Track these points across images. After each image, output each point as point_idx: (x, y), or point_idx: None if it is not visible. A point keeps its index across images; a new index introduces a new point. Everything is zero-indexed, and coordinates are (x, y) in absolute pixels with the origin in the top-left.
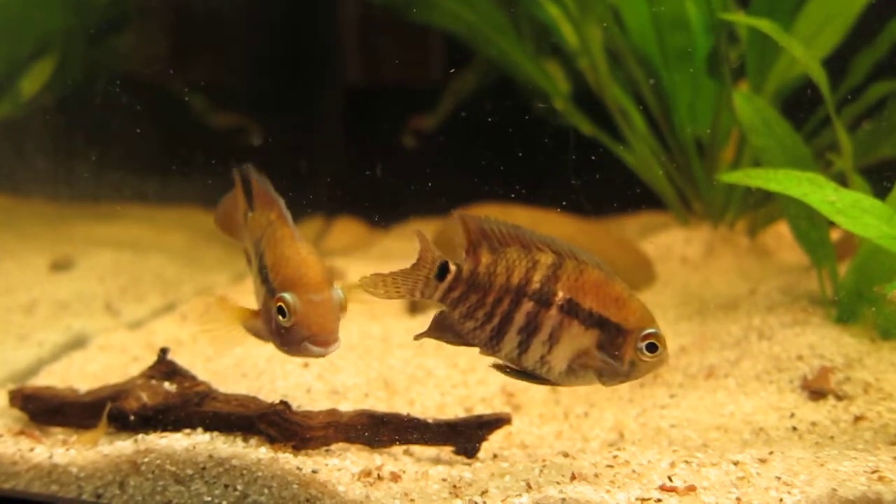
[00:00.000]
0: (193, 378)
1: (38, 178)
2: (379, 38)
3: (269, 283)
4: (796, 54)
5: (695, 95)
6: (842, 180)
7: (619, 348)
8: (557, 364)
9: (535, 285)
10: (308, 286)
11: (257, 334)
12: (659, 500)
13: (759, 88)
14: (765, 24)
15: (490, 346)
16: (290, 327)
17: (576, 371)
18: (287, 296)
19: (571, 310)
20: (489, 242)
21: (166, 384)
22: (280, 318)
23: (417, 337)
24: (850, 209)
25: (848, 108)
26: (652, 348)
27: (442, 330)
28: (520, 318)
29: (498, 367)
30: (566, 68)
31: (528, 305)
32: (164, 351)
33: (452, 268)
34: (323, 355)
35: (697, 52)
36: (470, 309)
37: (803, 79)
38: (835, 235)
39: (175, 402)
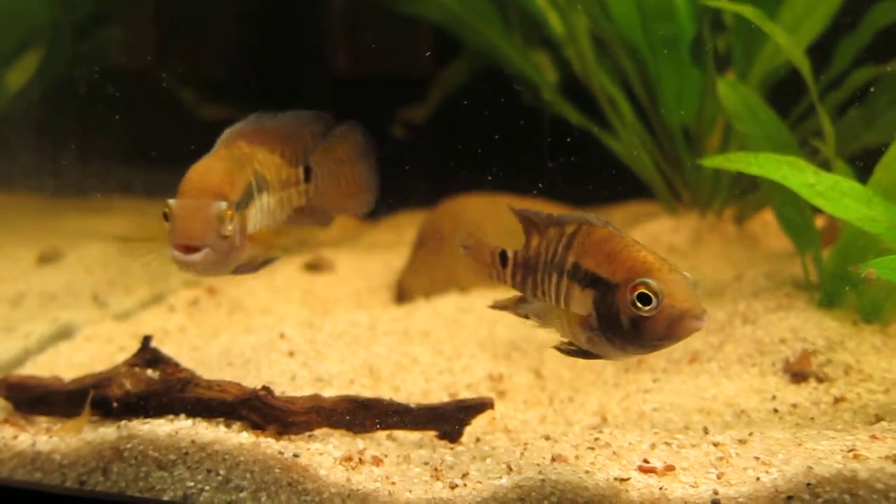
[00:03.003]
0: (176, 365)
1: (27, 172)
2: (367, 29)
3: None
4: (780, 41)
5: (681, 83)
6: (827, 167)
7: (610, 305)
8: (578, 333)
9: (558, 257)
10: (186, 192)
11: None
12: (638, 481)
13: (744, 76)
14: (749, 11)
15: (553, 325)
16: (169, 234)
17: (592, 338)
18: (170, 200)
19: (573, 273)
20: (536, 228)
21: (149, 371)
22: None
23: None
24: (830, 192)
25: (832, 95)
26: (643, 299)
27: (520, 309)
28: (551, 292)
29: (560, 348)
30: (554, 58)
31: (554, 278)
32: (147, 339)
33: (510, 254)
34: (184, 265)
35: (683, 39)
36: (532, 290)
37: (789, 66)
38: (820, 223)
39: (158, 388)
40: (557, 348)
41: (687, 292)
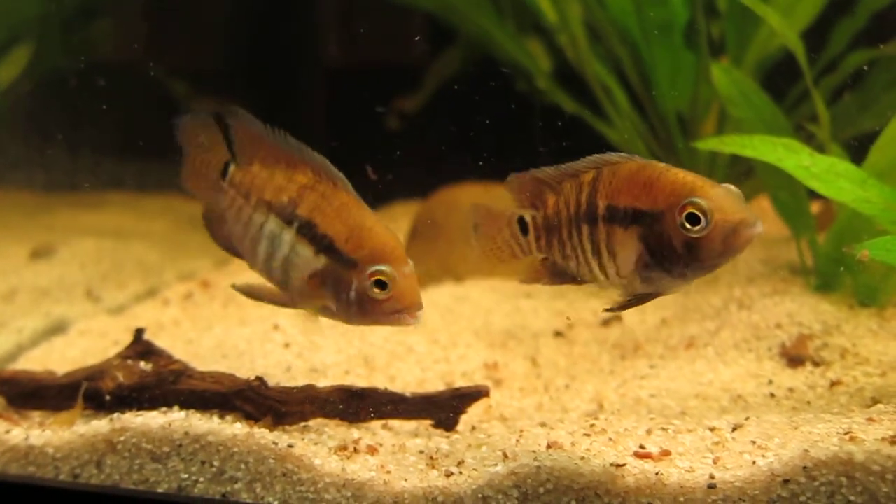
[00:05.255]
0: (169, 357)
1: (18, 167)
2: (360, 19)
3: (342, 254)
4: (773, 23)
5: (675, 69)
6: (823, 152)
7: (661, 235)
8: (632, 277)
9: (584, 207)
10: (399, 259)
11: (323, 309)
12: (634, 466)
13: (738, 62)
14: None
15: (595, 278)
16: (384, 300)
17: (648, 276)
18: (387, 269)
19: (611, 216)
20: (549, 186)
21: (142, 364)
22: (377, 290)
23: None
24: (825, 173)
25: (827, 79)
26: (692, 219)
27: (557, 275)
28: (586, 245)
29: (610, 310)
30: (548, 46)
31: (585, 230)
32: (139, 331)
33: (528, 217)
34: (414, 324)
35: (676, 24)
36: (561, 250)
37: (783, 52)
38: (815, 208)
39: (150, 381)
40: (610, 309)
41: (735, 204)
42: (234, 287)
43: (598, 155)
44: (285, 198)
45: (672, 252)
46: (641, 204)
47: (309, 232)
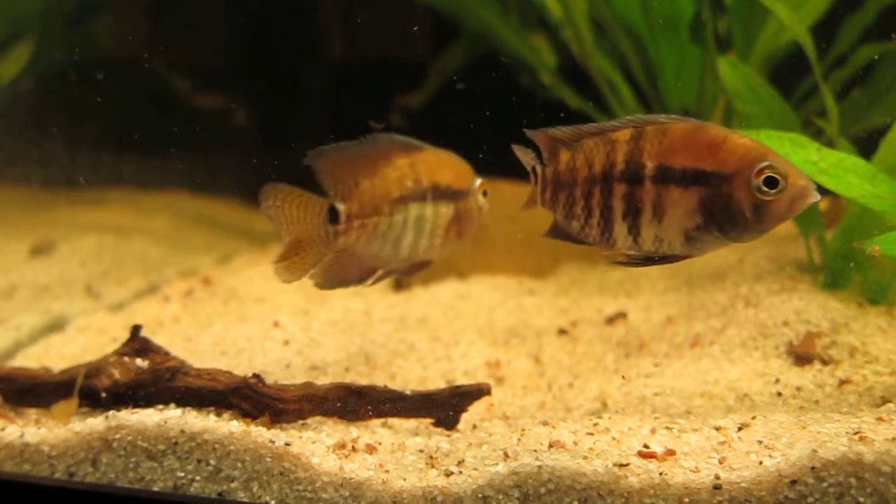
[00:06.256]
0: (166, 354)
1: (20, 163)
2: (363, 14)
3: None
4: (781, 16)
5: (681, 63)
6: (831, 148)
7: (730, 198)
8: (675, 237)
9: (621, 165)
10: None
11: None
12: (637, 466)
13: (745, 56)
14: None
15: (604, 240)
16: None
17: (696, 237)
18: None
19: (664, 176)
20: (564, 144)
21: (138, 360)
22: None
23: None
24: (833, 169)
25: (836, 74)
26: (771, 183)
27: (560, 234)
28: (618, 204)
29: (620, 262)
30: (552, 41)
31: (620, 188)
32: (136, 328)
33: (537, 170)
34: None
35: (682, 18)
36: (566, 208)
37: (790, 48)
38: (823, 205)
39: (146, 378)
40: (620, 263)
41: (797, 169)
42: (318, 285)
43: (634, 115)
44: (409, 183)
45: (736, 214)
46: (706, 165)
47: (441, 192)
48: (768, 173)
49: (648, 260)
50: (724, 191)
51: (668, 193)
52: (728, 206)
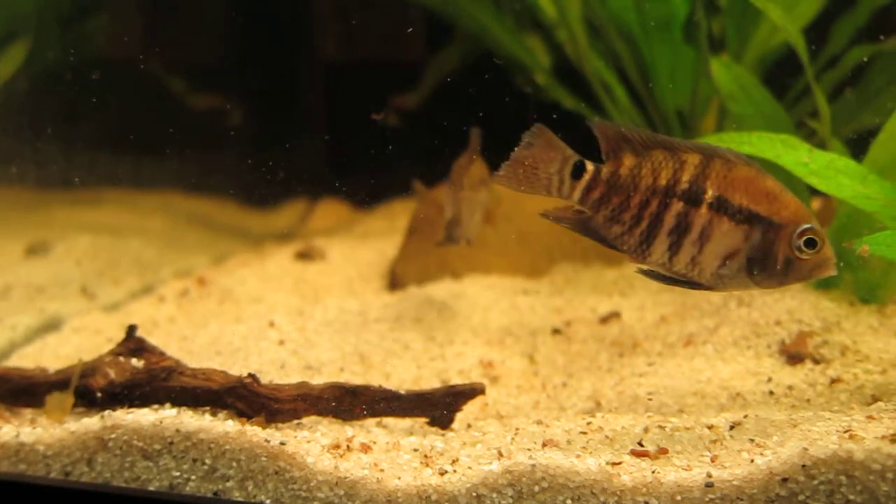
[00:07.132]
0: (161, 353)
1: (14, 163)
2: (357, 15)
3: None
4: (775, 19)
5: (674, 64)
6: (824, 149)
7: (771, 244)
8: (708, 265)
9: (684, 185)
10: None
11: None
12: (630, 465)
13: (739, 57)
14: None
15: (640, 251)
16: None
17: (726, 272)
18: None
19: (721, 206)
20: (631, 146)
21: (134, 360)
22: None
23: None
24: (824, 170)
25: (829, 75)
26: (810, 244)
27: (585, 230)
28: (670, 220)
29: (646, 272)
30: (547, 42)
31: (677, 206)
32: (131, 328)
33: (590, 167)
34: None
35: (676, 19)
36: (615, 212)
37: (783, 49)
38: (815, 206)
39: (142, 377)
40: (644, 273)
41: (828, 241)
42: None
43: (705, 142)
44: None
45: (770, 261)
46: (761, 209)
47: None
48: (810, 235)
49: (672, 280)
50: (769, 237)
51: (720, 223)
52: (766, 252)
